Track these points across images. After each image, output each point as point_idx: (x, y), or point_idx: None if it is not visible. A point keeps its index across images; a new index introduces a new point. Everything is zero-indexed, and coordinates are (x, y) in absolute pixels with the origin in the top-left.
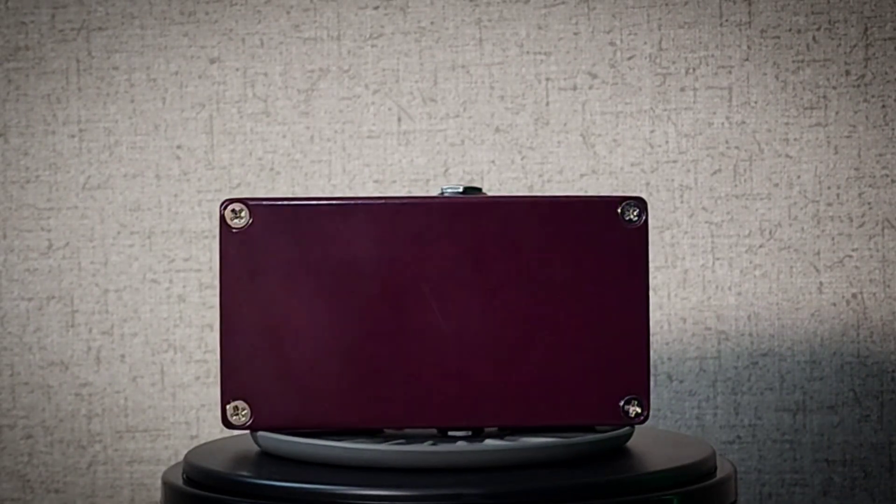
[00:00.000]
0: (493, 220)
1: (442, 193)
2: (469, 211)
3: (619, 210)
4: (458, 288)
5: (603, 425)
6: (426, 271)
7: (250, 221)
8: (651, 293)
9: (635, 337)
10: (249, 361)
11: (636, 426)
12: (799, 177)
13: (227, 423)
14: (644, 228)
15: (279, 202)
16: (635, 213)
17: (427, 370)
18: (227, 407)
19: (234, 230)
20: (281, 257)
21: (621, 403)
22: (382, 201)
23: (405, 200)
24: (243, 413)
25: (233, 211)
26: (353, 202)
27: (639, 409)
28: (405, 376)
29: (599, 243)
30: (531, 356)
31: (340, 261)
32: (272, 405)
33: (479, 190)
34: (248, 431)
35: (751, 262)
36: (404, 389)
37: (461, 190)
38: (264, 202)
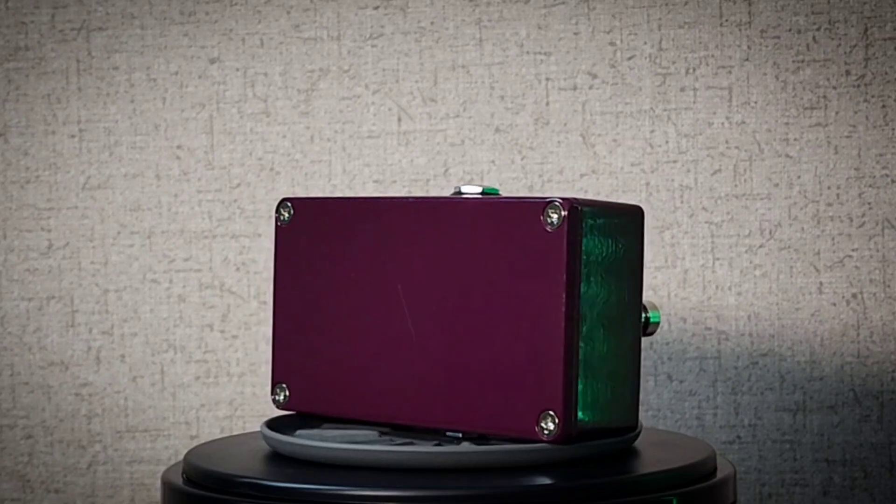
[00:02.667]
0: (445, 221)
1: (458, 192)
2: (430, 212)
3: (542, 213)
4: (417, 288)
5: (521, 440)
6: (403, 270)
7: (293, 217)
8: (651, 293)
9: (551, 348)
10: (289, 346)
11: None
12: (799, 177)
13: (275, 402)
14: (564, 233)
15: (314, 199)
16: (555, 217)
17: (391, 368)
18: (274, 387)
19: (280, 225)
20: (312, 251)
21: (538, 418)
22: (388, 200)
23: (403, 199)
24: (283, 395)
25: (282, 208)
26: (366, 200)
27: (551, 427)
28: (377, 372)
29: (524, 248)
30: (466, 362)
31: (352, 256)
32: (303, 389)
33: (496, 191)
34: (248, 430)
35: (751, 262)
36: (376, 384)
37: (480, 190)
38: (304, 199)
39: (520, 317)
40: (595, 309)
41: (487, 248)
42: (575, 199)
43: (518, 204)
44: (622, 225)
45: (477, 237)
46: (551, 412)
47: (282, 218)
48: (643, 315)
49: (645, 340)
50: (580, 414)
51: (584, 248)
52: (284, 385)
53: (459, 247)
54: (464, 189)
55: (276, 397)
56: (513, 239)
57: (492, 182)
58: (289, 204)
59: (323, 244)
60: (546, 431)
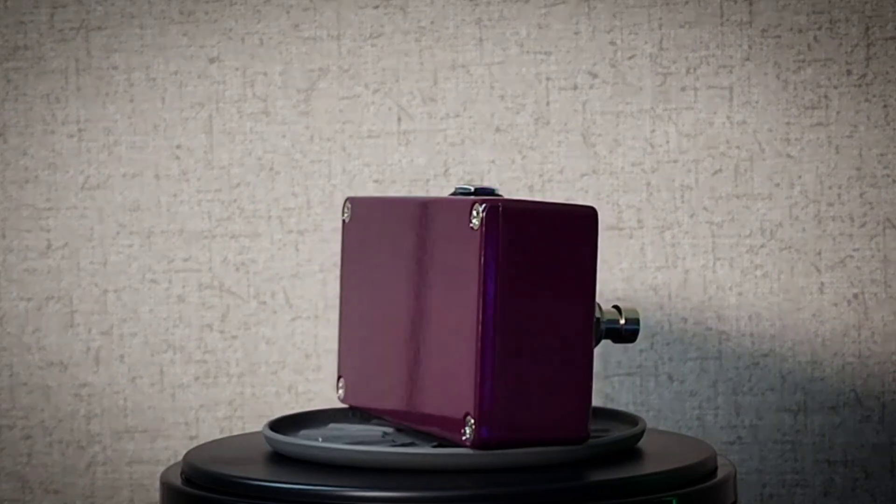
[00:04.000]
0: (420, 220)
1: (457, 192)
2: (416, 211)
3: (469, 214)
4: (395, 286)
5: (450, 443)
6: (389, 269)
7: (353, 216)
8: (652, 293)
9: (468, 353)
10: (345, 340)
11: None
12: (800, 177)
13: (338, 397)
14: (482, 234)
15: (368, 199)
16: (476, 219)
17: (387, 367)
18: (337, 381)
19: (343, 222)
20: (362, 248)
21: (463, 422)
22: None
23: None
24: (342, 388)
25: (344, 206)
26: (392, 200)
27: (468, 432)
28: (381, 370)
29: (457, 250)
30: (426, 364)
31: (378, 254)
32: (351, 383)
33: (491, 191)
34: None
35: (752, 263)
36: (382, 381)
37: (472, 190)
38: (361, 199)
39: (455, 320)
40: (528, 315)
41: (441, 249)
42: (503, 199)
43: (452, 203)
44: (566, 228)
45: (435, 237)
46: (470, 417)
47: (344, 216)
48: (601, 322)
49: (645, 340)
50: (502, 420)
51: (512, 251)
52: (342, 379)
53: (425, 246)
54: (461, 188)
55: (338, 392)
56: (451, 240)
57: (492, 182)
58: (349, 203)
59: (369, 242)
60: (465, 436)
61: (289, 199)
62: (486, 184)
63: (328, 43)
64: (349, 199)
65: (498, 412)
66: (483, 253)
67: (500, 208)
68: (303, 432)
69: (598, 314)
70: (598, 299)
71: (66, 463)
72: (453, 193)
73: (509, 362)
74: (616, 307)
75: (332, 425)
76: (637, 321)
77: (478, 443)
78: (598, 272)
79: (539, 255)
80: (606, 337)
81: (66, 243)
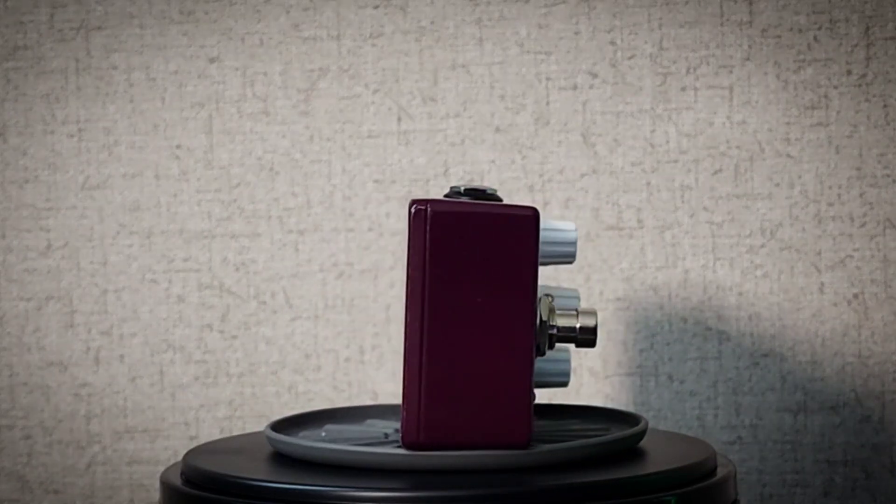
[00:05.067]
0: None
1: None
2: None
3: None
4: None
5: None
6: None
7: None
8: (652, 293)
9: (405, 352)
10: None
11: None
12: (800, 177)
13: None
14: (411, 235)
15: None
16: (409, 217)
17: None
18: None
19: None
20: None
21: (405, 422)
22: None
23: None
24: None
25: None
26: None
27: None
28: None
29: (408, 250)
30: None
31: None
32: None
33: (483, 192)
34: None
35: (752, 263)
36: None
37: (462, 190)
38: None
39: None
40: (461, 318)
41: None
42: (436, 201)
43: (410, 205)
44: (501, 231)
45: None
46: (404, 419)
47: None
48: (549, 325)
49: (645, 340)
50: (432, 423)
51: (441, 254)
52: None
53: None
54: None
55: None
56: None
57: (492, 182)
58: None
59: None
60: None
61: (289, 199)
62: (486, 184)
63: (328, 43)
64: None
65: (427, 415)
66: (410, 256)
67: (428, 211)
68: (303, 433)
69: (546, 317)
70: (598, 299)
71: (65, 463)
72: (447, 195)
73: (440, 365)
74: (575, 310)
75: (328, 426)
76: (593, 328)
77: (408, 444)
78: (598, 272)
79: (472, 257)
80: (563, 341)
81: (66, 243)
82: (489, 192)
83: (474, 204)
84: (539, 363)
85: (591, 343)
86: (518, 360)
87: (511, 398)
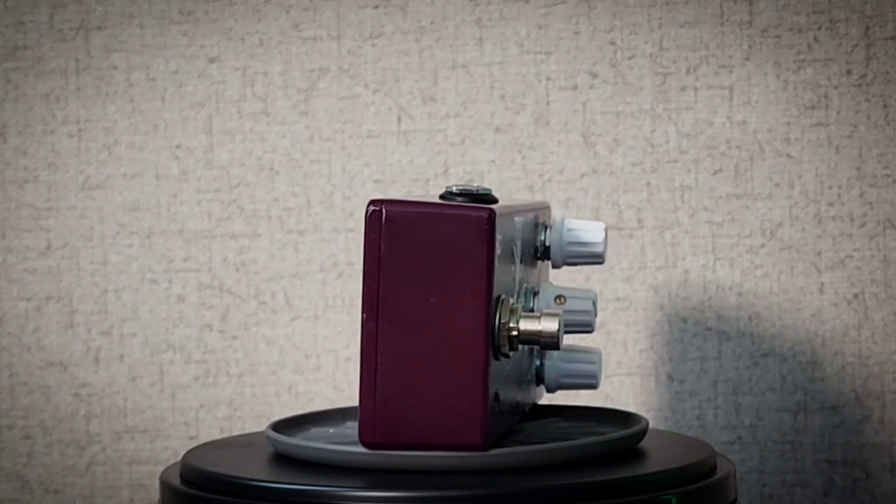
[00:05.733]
0: None
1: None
2: None
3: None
4: None
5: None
6: None
7: None
8: (652, 293)
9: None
10: None
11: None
12: (800, 177)
13: None
14: (366, 235)
15: None
16: (365, 218)
17: None
18: None
19: None
20: None
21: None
22: None
23: None
24: None
25: None
26: None
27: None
28: None
29: (364, 250)
30: None
31: None
32: None
33: (473, 193)
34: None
35: (752, 263)
36: None
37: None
38: None
39: None
40: (415, 318)
41: None
42: (386, 200)
43: (367, 206)
44: (454, 232)
45: None
46: (362, 417)
47: None
48: (508, 327)
49: (645, 340)
50: (386, 422)
51: (394, 254)
52: None
53: None
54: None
55: None
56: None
57: (492, 182)
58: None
59: None
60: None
61: (289, 199)
62: (486, 184)
63: (328, 43)
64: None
65: (382, 414)
66: (366, 256)
67: (382, 212)
68: (302, 434)
69: (506, 319)
70: (598, 299)
71: (65, 463)
72: (442, 196)
73: (395, 365)
74: (540, 313)
75: (313, 430)
76: (554, 333)
77: (364, 443)
78: (598, 272)
79: (426, 258)
80: (526, 343)
81: (66, 243)
82: (480, 192)
83: (430, 204)
84: (563, 364)
85: (553, 346)
86: (470, 362)
87: (464, 400)
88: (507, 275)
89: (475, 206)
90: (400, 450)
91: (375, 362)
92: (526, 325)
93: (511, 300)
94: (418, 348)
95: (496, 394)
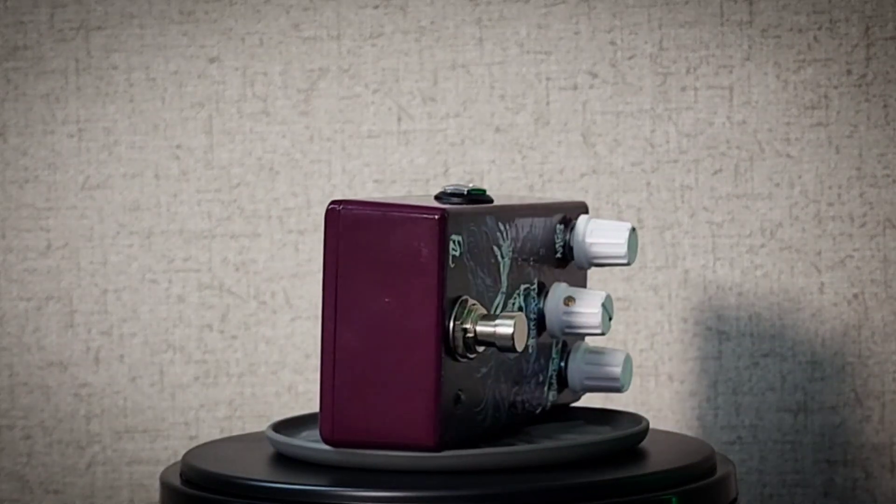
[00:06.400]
0: None
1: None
2: None
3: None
4: None
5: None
6: None
7: None
8: (652, 293)
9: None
10: None
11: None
12: (800, 176)
13: None
14: (325, 234)
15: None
16: (325, 217)
17: None
18: None
19: None
20: None
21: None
22: None
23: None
24: None
25: None
26: None
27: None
28: None
29: (324, 250)
30: None
31: None
32: None
33: (462, 193)
34: (248, 430)
35: (752, 263)
36: None
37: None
38: None
39: None
40: (370, 318)
41: None
42: (346, 201)
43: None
44: (406, 232)
45: None
46: (322, 414)
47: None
48: (456, 329)
49: (645, 340)
50: (343, 420)
51: (350, 254)
52: None
53: None
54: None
55: None
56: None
57: (492, 182)
58: None
59: None
60: None
61: (289, 199)
62: (486, 184)
63: (328, 43)
64: None
65: (339, 413)
66: (325, 256)
67: (339, 211)
68: (305, 433)
69: (461, 320)
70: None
71: (65, 463)
72: (436, 196)
73: (351, 364)
74: (497, 315)
75: (314, 430)
76: (508, 336)
77: (324, 439)
78: (599, 272)
79: (381, 258)
80: (483, 345)
81: (66, 243)
82: (470, 192)
83: (387, 205)
84: (587, 366)
85: (510, 349)
86: (422, 363)
87: (417, 401)
88: (479, 276)
89: (429, 207)
90: (358, 448)
91: (333, 361)
92: (481, 327)
93: (471, 302)
94: (373, 348)
95: (458, 395)
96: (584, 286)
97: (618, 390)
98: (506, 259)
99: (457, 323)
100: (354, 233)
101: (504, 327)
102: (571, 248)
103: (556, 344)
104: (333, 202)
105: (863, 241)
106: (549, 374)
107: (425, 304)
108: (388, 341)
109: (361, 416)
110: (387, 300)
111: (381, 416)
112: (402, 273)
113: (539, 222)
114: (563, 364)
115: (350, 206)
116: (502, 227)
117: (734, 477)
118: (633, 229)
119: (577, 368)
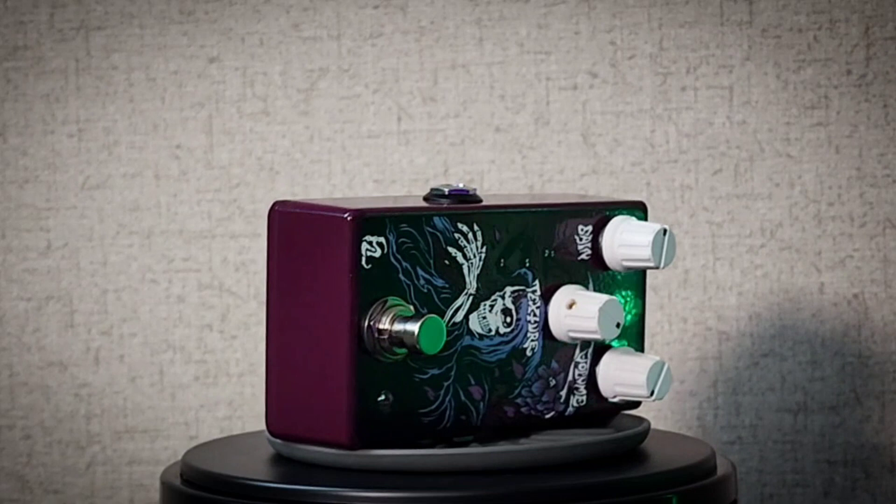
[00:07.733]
0: None
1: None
2: None
3: None
4: None
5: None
6: None
7: None
8: (652, 293)
9: None
10: None
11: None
12: (800, 176)
13: None
14: (267, 233)
15: None
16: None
17: None
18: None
19: None
20: None
21: None
22: None
23: None
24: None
25: None
26: None
27: None
28: None
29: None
30: None
31: None
32: None
33: (449, 192)
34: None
35: (752, 263)
36: None
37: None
38: None
39: None
40: (296, 318)
41: None
42: (285, 201)
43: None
44: (321, 231)
45: None
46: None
47: None
48: (371, 330)
49: (645, 340)
50: (280, 416)
51: (282, 253)
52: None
53: None
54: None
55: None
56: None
57: (492, 182)
58: None
59: None
60: None
61: (289, 199)
62: (486, 184)
63: (328, 43)
64: None
65: (275, 409)
66: (267, 255)
67: (275, 210)
68: None
69: (376, 320)
70: None
71: (65, 463)
72: (426, 197)
73: (283, 362)
74: (408, 318)
75: None
76: (413, 337)
77: (269, 431)
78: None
79: (306, 258)
80: (397, 345)
81: (66, 243)
82: (453, 192)
83: (314, 206)
84: (614, 371)
85: (416, 351)
86: (336, 363)
87: (332, 399)
88: (420, 277)
89: (345, 208)
90: (297, 443)
91: (269, 358)
92: (398, 326)
93: (393, 303)
94: (299, 347)
95: (386, 396)
96: (636, 291)
97: (644, 398)
98: (473, 260)
99: (371, 323)
100: (285, 233)
101: (410, 326)
102: (601, 251)
103: (579, 348)
104: (275, 203)
105: (863, 241)
106: (571, 378)
107: (338, 303)
108: (311, 340)
109: (293, 414)
110: (309, 299)
111: (308, 413)
112: (321, 273)
113: (542, 223)
114: (589, 369)
115: (283, 207)
116: (464, 229)
117: (734, 477)
118: (666, 231)
119: (607, 374)
